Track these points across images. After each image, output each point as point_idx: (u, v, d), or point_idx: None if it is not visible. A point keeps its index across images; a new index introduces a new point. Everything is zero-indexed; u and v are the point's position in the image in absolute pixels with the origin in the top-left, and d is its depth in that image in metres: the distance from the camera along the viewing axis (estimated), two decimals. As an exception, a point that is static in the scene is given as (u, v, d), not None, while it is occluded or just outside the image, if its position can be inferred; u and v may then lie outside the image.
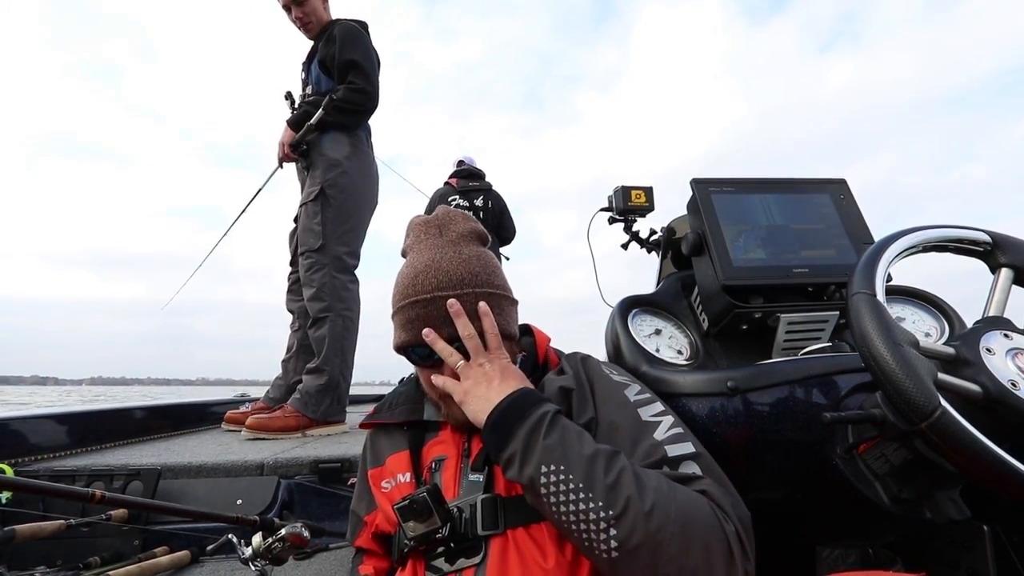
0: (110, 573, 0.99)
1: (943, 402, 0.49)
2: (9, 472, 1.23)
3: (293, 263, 2.24)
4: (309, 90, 2.21)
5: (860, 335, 0.55)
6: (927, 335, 0.90)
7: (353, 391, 2.24)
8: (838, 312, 0.90)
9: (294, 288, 2.24)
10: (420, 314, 0.70)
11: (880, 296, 0.57)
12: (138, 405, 1.93)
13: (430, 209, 0.84)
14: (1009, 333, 0.58)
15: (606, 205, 1.25)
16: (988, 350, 0.56)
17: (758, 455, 0.74)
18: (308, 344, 2.08)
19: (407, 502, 0.62)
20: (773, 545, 0.73)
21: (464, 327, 0.68)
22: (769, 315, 0.90)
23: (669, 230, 1.18)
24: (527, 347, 0.82)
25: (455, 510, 0.64)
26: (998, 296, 0.63)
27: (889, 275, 0.63)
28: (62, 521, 1.07)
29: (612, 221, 1.26)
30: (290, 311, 2.27)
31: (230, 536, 0.83)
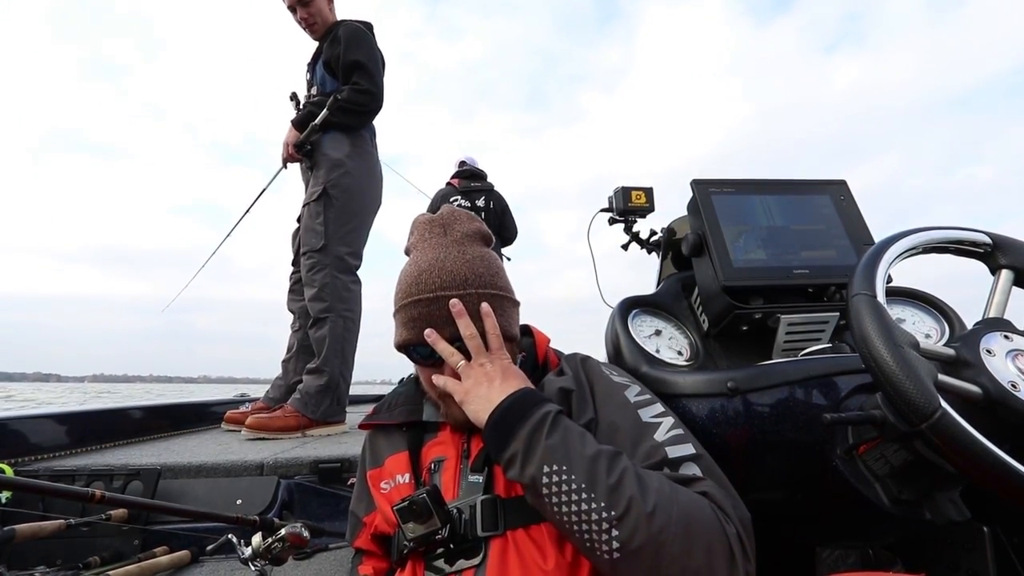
0: (110, 573, 0.99)
1: (943, 403, 0.49)
2: (9, 472, 1.23)
3: (295, 263, 2.24)
4: (314, 91, 2.22)
5: (860, 336, 0.55)
6: (927, 336, 0.90)
7: (354, 390, 2.24)
8: (838, 313, 0.90)
9: (296, 288, 2.24)
10: (423, 313, 0.70)
11: (880, 297, 0.57)
12: (138, 405, 1.93)
13: (432, 210, 0.83)
14: (1009, 334, 0.58)
15: (606, 206, 1.25)
16: (988, 351, 0.57)
17: (758, 456, 0.74)
18: (308, 344, 2.08)
19: (407, 503, 0.62)
20: (773, 546, 0.73)
21: (466, 327, 0.68)
22: (769, 316, 0.90)
23: (669, 231, 1.18)
24: (526, 348, 0.82)
25: (455, 511, 0.64)
26: (998, 297, 0.63)
27: (889, 276, 0.63)
28: (62, 521, 1.07)
29: (612, 222, 1.26)
30: (291, 311, 2.27)
31: (230, 536, 0.83)
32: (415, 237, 0.78)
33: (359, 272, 2.17)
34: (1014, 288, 0.64)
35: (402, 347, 0.75)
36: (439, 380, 0.69)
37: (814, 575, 0.82)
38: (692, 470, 0.61)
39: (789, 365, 0.75)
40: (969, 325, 0.75)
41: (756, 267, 0.90)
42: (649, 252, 1.26)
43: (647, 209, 1.22)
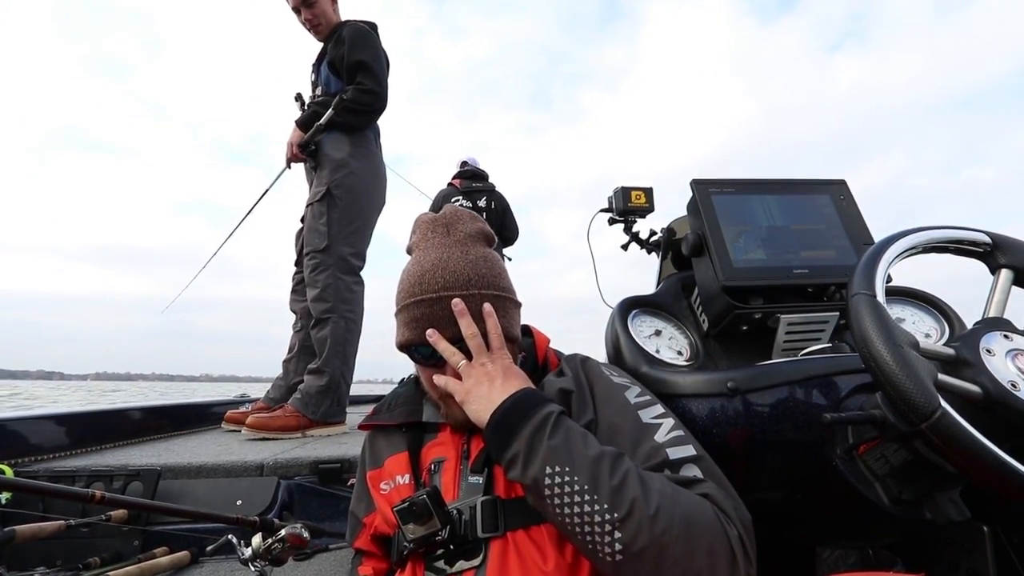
0: (110, 574, 0.98)
1: (943, 403, 0.49)
2: (9, 472, 1.23)
3: (298, 263, 2.24)
4: (319, 91, 2.22)
5: (860, 336, 0.55)
6: (927, 336, 0.90)
7: (355, 389, 2.24)
8: (838, 313, 0.90)
9: (298, 288, 2.24)
10: (425, 313, 0.70)
11: (880, 297, 0.57)
12: (138, 405, 1.93)
13: (434, 211, 0.83)
14: (1009, 334, 0.58)
15: (606, 206, 1.25)
16: (988, 351, 0.57)
17: (758, 456, 0.74)
18: (310, 345, 2.08)
19: (407, 504, 0.62)
20: (773, 546, 0.73)
21: (467, 326, 0.67)
22: (769, 316, 0.90)
23: (669, 231, 1.18)
24: (526, 348, 0.82)
25: (455, 512, 0.64)
26: (998, 297, 0.63)
27: (889, 276, 0.63)
28: (62, 522, 1.07)
29: (612, 222, 1.25)
30: (293, 311, 2.28)
31: (230, 537, 0.83)
32: (417, 236, 0.77)
33: (362, 272, 2.18)
34: (1014, 288, 0.64)
35: (404, 347, 0.75)
36: (440, 380, 0.69)
37: (814, 575, 0.82)
38: (693, 472, 0.61)
39: (789, 365, 0.75)
40: (969, 325, 0.75)
41: (756, 267, 0.90)
42: (649, 252, 1.26)
43: (647, 209, 1.22)
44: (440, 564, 0.63)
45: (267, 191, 2.66)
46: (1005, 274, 0.64)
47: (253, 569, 0.80)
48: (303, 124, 2.09)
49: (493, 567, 0.60)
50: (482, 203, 3.43)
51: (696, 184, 0.98)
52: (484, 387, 0.65)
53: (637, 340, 0.92)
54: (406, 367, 0.81)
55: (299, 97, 2.29)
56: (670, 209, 1.23)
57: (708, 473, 0.61)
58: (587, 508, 0.54)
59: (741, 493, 0.61)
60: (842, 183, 1.01)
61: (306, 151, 2.11)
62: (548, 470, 0.56)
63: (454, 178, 3.58)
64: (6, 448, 1.34)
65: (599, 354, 0.95)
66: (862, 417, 0.61)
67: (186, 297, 3.11)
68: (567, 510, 0.55)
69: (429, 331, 0.69)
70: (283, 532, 0.82)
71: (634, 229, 1.25)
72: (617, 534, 0.52)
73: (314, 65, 2.28)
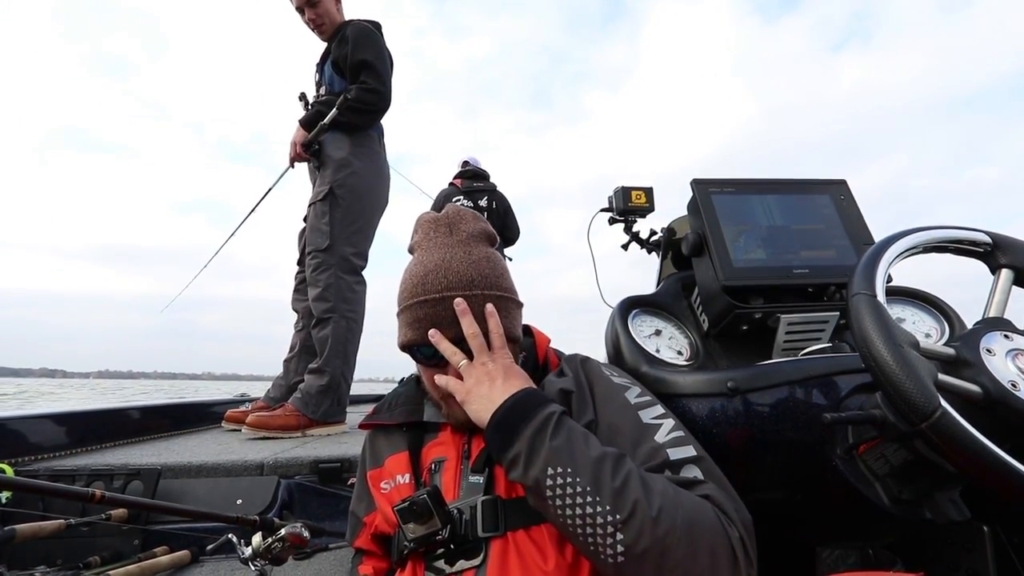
0: (110, 573, 0.99)
1: (943, 403, 0.49)
2: (9, 472, 1.23)
3: (301, 263, 2.24)
4: (322, 91, 2.22)
5: (860, 336, 0.55)
6: (927, 336, 0.90)
7: (357, 388, 2.24)
8: (838, 313, 0.90)
9: (300, 288, 2.24)
10: (428, 313, 0.70)
11: (880, 297, 0.57)
12: (138, 405, 1.93)
13: (436, 211, 0.83)
14: (1009, 334, 0.58)
15: (606, 206, 1.25)
16: (988, 351, 0.57)
17: (758, 456, 0.74)
18: (311, 344, 2.08)
19: (407, 504, 0.62)
20: (773, 546, 0.73)
21: (469, 325, 0.67)
22: (769, 316, 0.90)
23: (669, 230, 1.18)
24: (527, 348, 0.82)
25: (455, 512, 0.64)
26: (998, 297, 0.63)
27: (889, 276, 0.63)
28: (62, 521, 1.07)
29: (612, 222, 1.26)
30: (295, 311, 2.28)
31: (230, 536, 0.83)
32: (419, 236, 0.77)
33: (364, 272, 2.18)
34: (1014, 288, 0.64)
35: (406, 347, 0.75)
36: (441, 380, 0.69)
37: (814, 575, 0.82)
38: (693, 472, 0.61)
39: (789, 365, 0.75)
40: (969, 325, 0.75)
41: (756, 267, 0.90)
42: (649, 252, 1.26)
43: (647, 209, 1.22)
44: (440, 564, 0.63)
45: (270, 190, 2.66)
46: (1005, 274, 0.64)
47: (253, 568, 0.80)
48: (307, 124, 2.09)
49: (493, 567, 0.60)
50: (483, 203, 3.43)
51: (696, 184, 0.98)
52: (485, 387, 0.64)
53: (637, 340, 0.92)
54: (408, 366, 0.81)
55: (303, 97, 2.29)
56: (671, 208, 1.23)
57: (708, 474, 0.61)
58: (589, 509, 0.53)
59: (741, 493, 0.61)
60: (842, 183, 1.01)
61: (310, 151, 2.11)
62: (550, 471, 0.56)
63: (455, 178, 3.58)
64: (6, 447, 1.34)
65: (599, 354, 0.95)
66: (862, 417, 0.61)
67: (189, 296, 3.12)
68: (569, 511, 0.55)
69: (431, 332, 0.69)
70: (283, 531, 0.82)
71: (634, 229, 1.25)
72: (619, 536, 0.52)
73: (318, 65, 2.28)
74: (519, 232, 3.66)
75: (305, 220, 2.20)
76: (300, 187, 2.35)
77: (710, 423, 0.76)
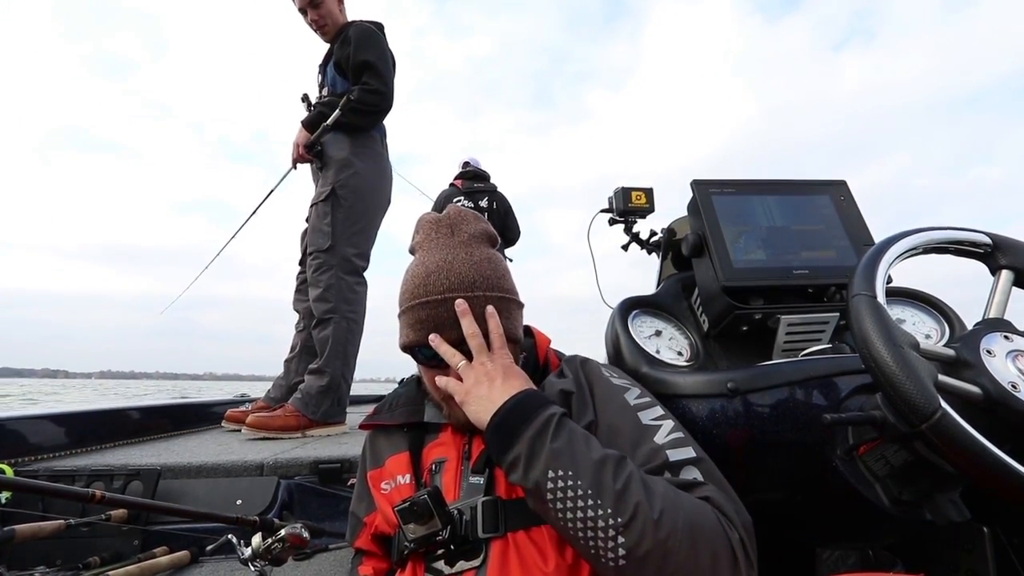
0: (110, 573, 0.98)
1: (943, 404, 0.49)
2: (9, 472, 1.23)
3: (302, 263, 2.24)
4: (325, 92, 2.22)
5: (860, 337, 0.55)
6: (927, 337, 0.90)
7: (358, 388, 2.24)
8: (838, 313, 0.90)
9: (302, 288, 2.25)
10: (430, 315, 0.70)
11: (880, 298, 0.57)
12: (138, 405, 1.93)
13: (437, 211, 0.83)
14: (1009, 335, 0.58)
15: (606, 206, 1.25)
16: (988, 352, 0.57)
17: (758, 457, 0.74)
18: (312, 345, 2.08)
19: (408, 504, 0.62)
20: (773, 546, 0.73)
21: (469, 326, 0.67)
22: (769, 316, 0.90)
23: (669, 231, 1.18)
24: (527, 348, 0.82)
25: (455, 512, 0.64)
26: (998, 298, 0.63)
27: (889, 277, 0.63)
28: (62, 521, 1.07)
29: (612, 222, 1.26)
30: (296, 311, 2.28)
31: (230, 536, 0.83)
32: (421, 236, 0.77)
33: (365, 273, 2.18)
34: (1014, 288, 0.64)
35: (408, 348, 0.75)
36: (442, 381, 0.69)
37: (814, 575, 0.82)
38: (693, 474, 0.61)
39: (789, 366, 0.75)
40: (969, 326, 0.75)
41: (756, 267, 0.90)
42: (649, 252, 1.27)
43: (647, 210, 1.22)
44: (440, 564, 0.63)
45: (272, 192, 2.66)
46: (1005, 275, 0.64)
47: (253, 569, 0.80)
48: (309, 125, 2.09)
49: (493, 567, 0.60)
50: (484, 203, 3.44)
51: (696, 184, 0.98)
52: (484, 387, 0.64)
53: (637, 340, 0.92)
54: (409, 366, 0.81)
55: (305, 98, 2.29)
56: (672, 208, 1.23)
57: (708, 476, 0.61)
58: (590, 513, 0.53)
59: (741, 494, 0.61)
60: (842, 183, 1.01)
61: (312, 152, 2.11)
62: (551, 473, 0.56)
63: (456, 178, 3.59)
64: (6, 447, 1.34)
65: (599, 354, 0.95)
66: (862, 418, 0.61)
67: (190, 296, 3.12)
68: (570, 514, 0.54)
69: (432, 336, 0.69)
70: (283, 532, 0.82)
71: (634, 229, 1.25)
72: (621, 539, 0.52)
73: (321, 66, 2.28)
74: (519, 233, 3.66)
75: (307, 220, 2.20)
76: (303, 187, 2.35)
77: (710, 424, 0.76)
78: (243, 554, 0.81)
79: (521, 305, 0.78)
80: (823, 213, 0.97)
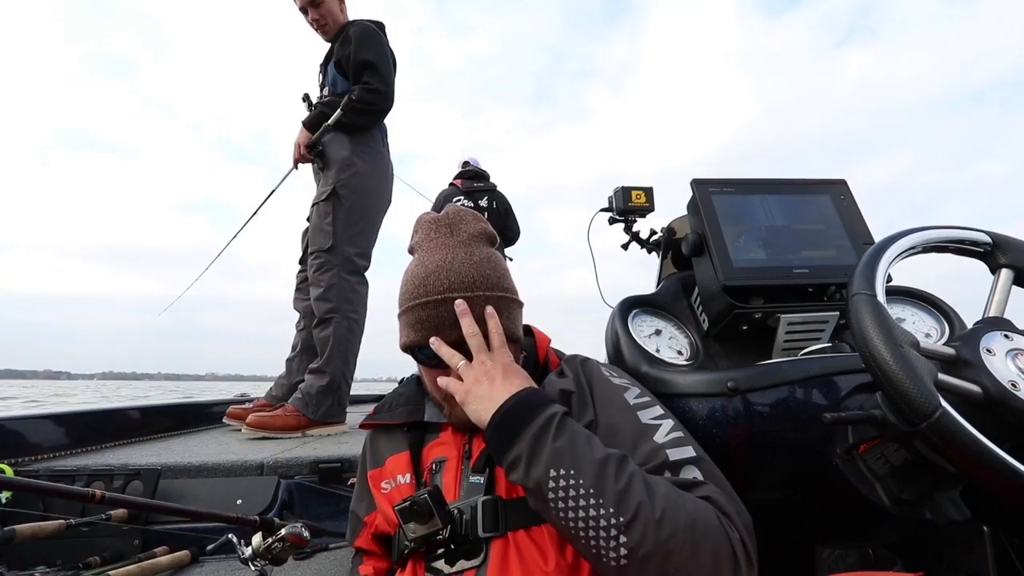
0: (110, 573, 0.98)
1: (943, 403, 0.49)
2: (9, 472, 1.23)
3: (303, 261, 2.24)
4: (326, 91, 2.23)
5: (860, 336, 0.55)
6: (927, 336, 0.90)
7: (359, 388, 2.24)
8: (838, 313, 0.90)
9: (302, 287, 2.25)
10: (431, 315, 0.70)
11: (880, 297, 0.57)
12: (138, 405, 1.93)
13: (436, 211, 0.83)
14: (1009, 334, 0.58)
15: (606, 206, 1.25)
16: (988, 351, 0.57)
17: (758, 456, 0.74)
18: (312, 344, 2.09)
19: (408, 503, 0.62)
20: (773, 546, 0.73)
21: (468, 326, 0.67)
22: (769, 315, 0.90)
23: (669, 230, 1.18)
24: (527, 348, 0.82)
25: (456, 512, 0.64)
26: (998, 297, 0.63)
27: (889, 276, 0.63)
28: (62, 521, 1.07)
29: (612, 222, 1.26)
30: (297, 310, 2.28)
31: (230, 536, 0.83)
32: (420, 236, 0.77)
33: (367, 273, 2.18)
34: (1014, 287, 0.64)
35: (408, 349, 0.74)
36: (443, 381, 0.69)
37: (814, 575, 0.82)
38: (693, 473, 0.60)
39: (789, 365, 0.75)
40: (969, 325, 0.75)
41: (756, 267, 0.90)
42: (649, 252, 1.27)
43: (647, 209, 1.22)
44: (440, 564, 0.63)
45: (273, 192, 2.66)
46: (1005, 274, 0.64)
47: (253, 568, 0.80)
48: (310, 125, 2.10)
49: (494, 567, 0.60)
50: (484, 203, 3.44)
51: (696, 184, 0.98)
52: (484, 386, 0.64)
53: (637, 340, 0.92)
54: (409, 366, 0.81)
55: (306, 98, 2.29)
56: (673, 206, 1.23)
57: (708, 475, 0.61)
58: (592, 512, 0.53)
59: (741, 493, 0.61)
60: (842, 183, 1.01)
61: (313, 152, 2.12)
62: (552, 472, 0.55)
63: (456, 178, 3.59)
64: (6, 447, 1.34)
65: (600, 354, 0.95)
66: (862, 417, 0.61)
67: (192, 296, 3.11)
68: (571, 514, 0.54)
69: (432, 339, 0.69)
70: (283, 531, 0.82)
71: (634, 229, 1.25)
72: (623, 538, 0.52)
73: (322, 65, 2.29)
74: (519, 232, 3.66)
75: (308, 220, 2.20)
76: (305, 186, 2.35)
77: (710, 423, 0.76)
78: (243, 554, 0.81)
79: (521, 304, 0.78)
80: (823, 212, 0.97)
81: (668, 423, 0.66)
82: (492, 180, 3.62)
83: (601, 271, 1.30)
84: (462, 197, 3.42)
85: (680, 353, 0.95)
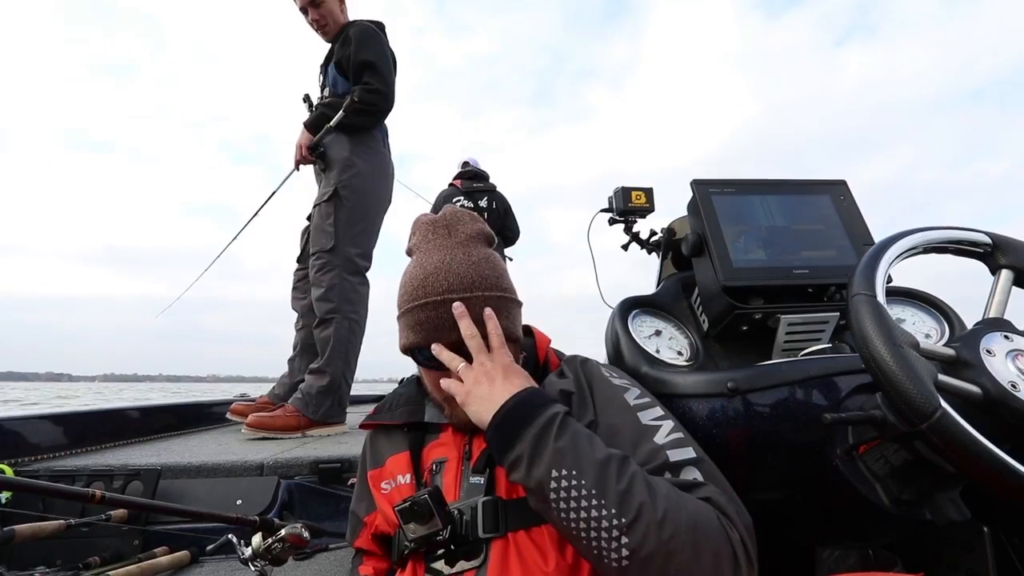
0: (110, 573, 0.98)
1: (943, 403, 0.49)
2: (9, 472, 1.23)
3: (300, 260, 2.24)
4: (326, 92, 2.23)
5: (860, 336, 0.55)
6: (927, 336, 0.90)
7: (360, 388, 2.25)
8: (838, 313, 0.90)
9: (299, 286, 2.25)
10: (430, 316, 0.69)
11: (880, 297, 0.57)
12: (137, 405, 1.93)
13: (435, 211, 0.83)
14: (1009, 334, 0.58)
15: (606, 206, 1.25)
16: (988, 351, 0.57)
17: (758, 456, 0.74)
18: (312, 343, 2.09)
19: (408, 504, 0.62)
20: (773, 546, 0.73)
21: (467, 327, 0.67)
22: (769, 316, 0.90)
23: (669, 231, 1.18)
24: (527, 348, 0.82)
25: (456, 512, 0.64)
26: (998, 297, 0.63)
27: (889, 276, 0.63)
28: (62, 521, 1.07)
29: (612, 222, 1.26)
30: (294, 310, 2.28)
31: (230, 536, 0.83)
32: (418, 238, 0.77)
33: (368, 273, 2.18)
34: (1014, 288, 0.64)
35: (407, 350, 0.74)
36: (444, 383, 0.69)
37: (814, 575, 0.82)
38: (693, 474, 0.60)
39: (789, 365, 0.75)
40: (969, 325, 0.75)
41: (756, 267, 0.90)
42: (649, 252, 1.26)
43: (647, 209, 1.22)
44: (440, 564, 0.63)
45: (274, 193, 2.66)
46: (1005, 274, 0.64)
47: (253, 569, 0.80)
48: (311, 126, 2.10)
49: (494, 567, 0.60)
50: (483, 203, 3.44)
51: (696, 184, 0.98)
52: (484, 387, 0.64)
53: (637, 340, 0.92)
54: (410, 367, 0.81)
55: (307, 98, 2.29)
56: (674, 205, 1.23)
57: (709, 476, 0.61)
58: (594, 513, 0.53)
59: (741, 493, 0.61)
60: (842, 183, 1.01)
61: (315, 153, 2.12)
62: (554, 473, 0.55)
63: (455, 178, 3.59)
64: (6, 448, 1.34)
65: (600, 354, 0.95)
66: (862, 417, 0.61)
67: (193, 298, 3.11)
68: (572, 514, 0.54)
69: (433, 346, 0.69)
70: (283, 532, 0.82)
71: (634, 229, 1.25)
72: (624, 539, 0.52)
73: (322, 66, 2.29)
74: (519, 232, 3.67)
75: (308, 219, 2.21)
76: (306, 185, 2.35)
77: (710, 424, 0.76)
78: (243, 554, 0.81)
79: (520, 304, 0.77)
80: (823, 213, 0.97)
81: (668, 424, 0.66)
82: (492, 180, 3.62)
83: (601, 271, 1.30)
84: (462, 197, 3.42)
85: (680, 354, 0.95)
